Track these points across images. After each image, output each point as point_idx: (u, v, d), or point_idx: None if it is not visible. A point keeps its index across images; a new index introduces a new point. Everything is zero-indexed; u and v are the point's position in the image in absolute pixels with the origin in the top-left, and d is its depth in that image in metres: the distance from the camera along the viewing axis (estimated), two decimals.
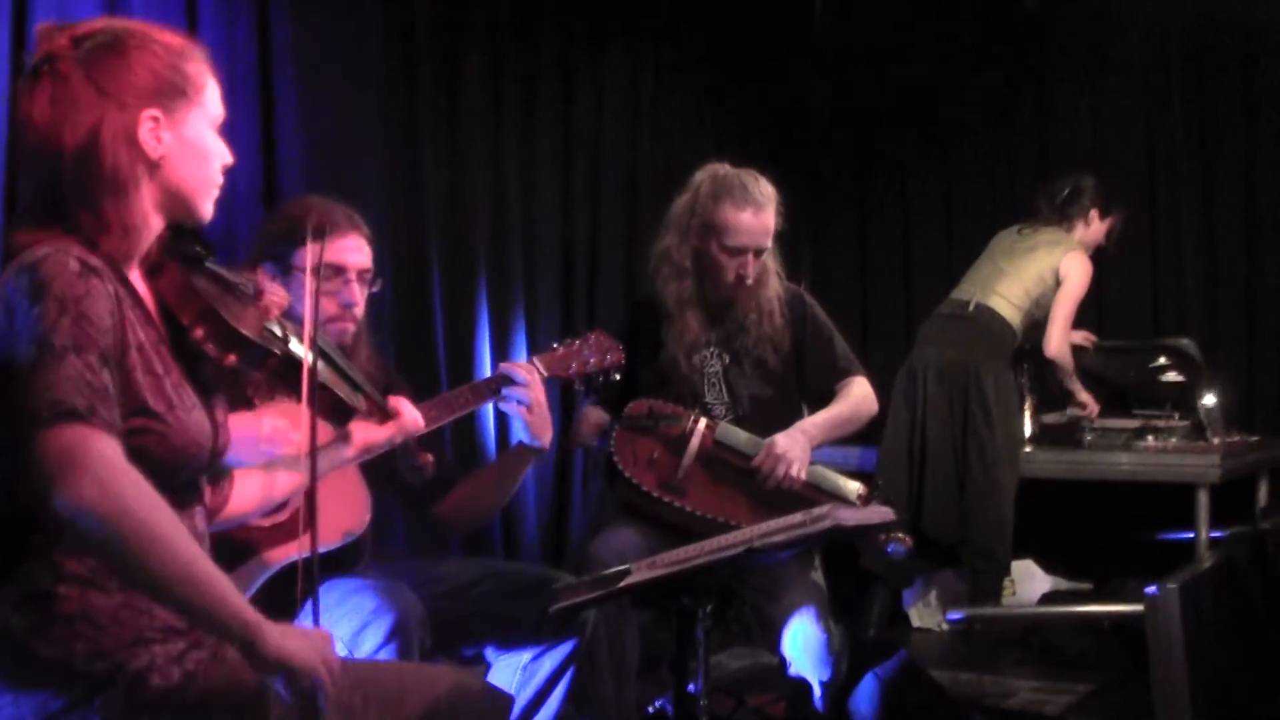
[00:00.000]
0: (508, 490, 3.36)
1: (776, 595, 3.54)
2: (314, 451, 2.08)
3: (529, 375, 3.12)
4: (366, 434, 2.45)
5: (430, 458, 2.62)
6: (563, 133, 5.61)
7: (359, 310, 3.13)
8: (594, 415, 3.79)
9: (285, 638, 1.90)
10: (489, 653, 3.22)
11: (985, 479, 5.39)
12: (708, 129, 6.01)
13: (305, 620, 2.03)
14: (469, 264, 5.11)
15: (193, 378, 2.08)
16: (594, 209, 5.74)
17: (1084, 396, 5.67)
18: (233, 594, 1.89)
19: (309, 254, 2.94)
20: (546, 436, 3.17)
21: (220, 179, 2.15)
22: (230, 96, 3.98)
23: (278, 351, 2.14)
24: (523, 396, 3.10)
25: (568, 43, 5.63)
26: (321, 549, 2.74)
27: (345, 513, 2.89)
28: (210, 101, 2.12)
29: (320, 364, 2.21)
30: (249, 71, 4.25)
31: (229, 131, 4.00)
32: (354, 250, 3.11)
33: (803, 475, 3.58)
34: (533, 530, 5.22)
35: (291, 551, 2.79)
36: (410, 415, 2.51)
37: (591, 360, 3.27)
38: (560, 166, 5.60)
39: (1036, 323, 5.59)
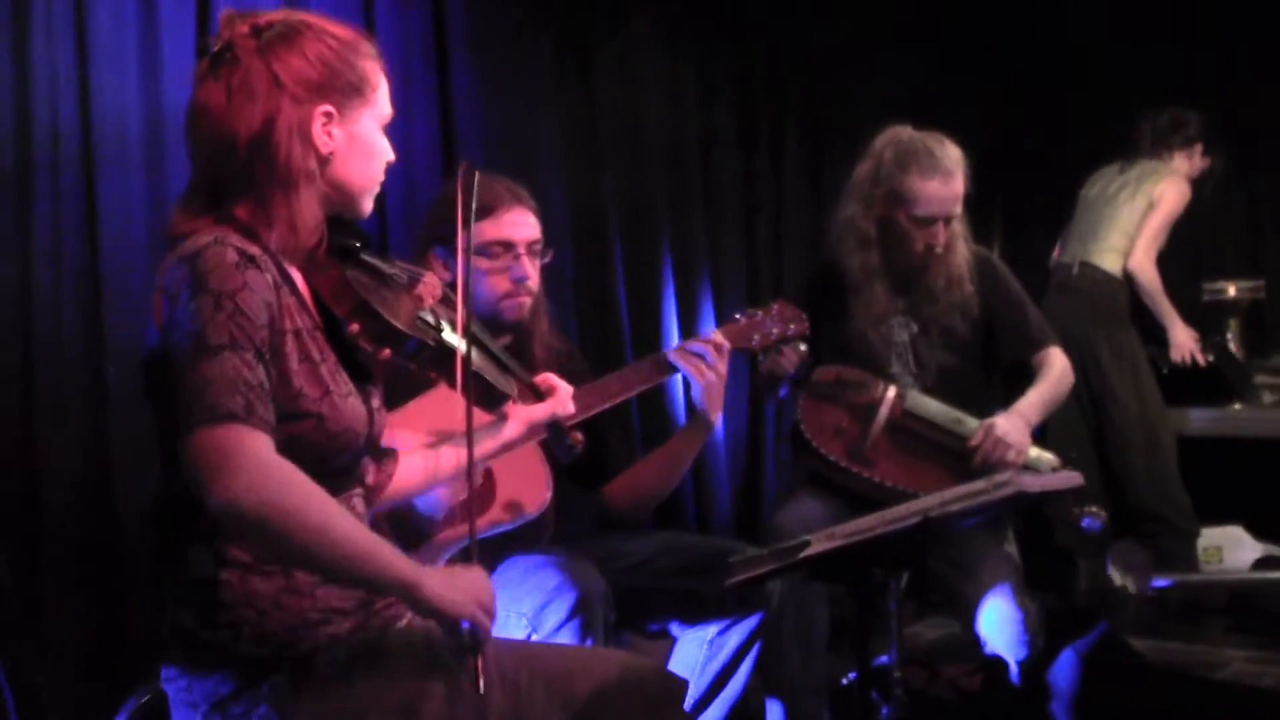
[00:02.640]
0: (675, 473, 3.30)
1: (969, 570, 3.43)
2: (470, 443, 2.10)
3: (710, 350, 3.08)
4: (526, 414, 2.42)
5: (580, 436, 2.63)
6: (744, 94, 5.53)
7: (533, 284, 3.12)
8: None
9: (443, 587, 1.97)
10: (674, 628, 3.22)
11: (1126, 445, 5.25)
12: (891, 83, 5.85)
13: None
14: (652, 235, 5.09)
15: (348, 365, 2.09)
16: (777, 170, 5.64)
17: (1178, 330, 5.38)
18: (391, 558, 1.94)
19: (470, 236, 2.95)
20: (717, 411, 3.14)
21: (382, 177, 2.16)
22: (407, 81, 4.12)
23: (431, 342, 2.14)
24: (695, 370, 3.07)
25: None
26: (504, 526, 2.84)
27: (527, 490, 2.88)
28: (381, 100, 2.12)
29: (475, 351, 2.20)
30: (426, 56, 4.30)
31: (408, 117, 4.11)
32: (520, 224, 3.11)
33: (1021, 460, 3.47)
34: (725, 503, 5.19)
35: (478, 526, 2.74)
36: (564, 390, 2.48)
37: (774, 331, 3.22)
38: (742, 127, 5.51)
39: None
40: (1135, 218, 5.32)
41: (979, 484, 2.35)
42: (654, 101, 5.15)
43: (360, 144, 2.09)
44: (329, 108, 2.04)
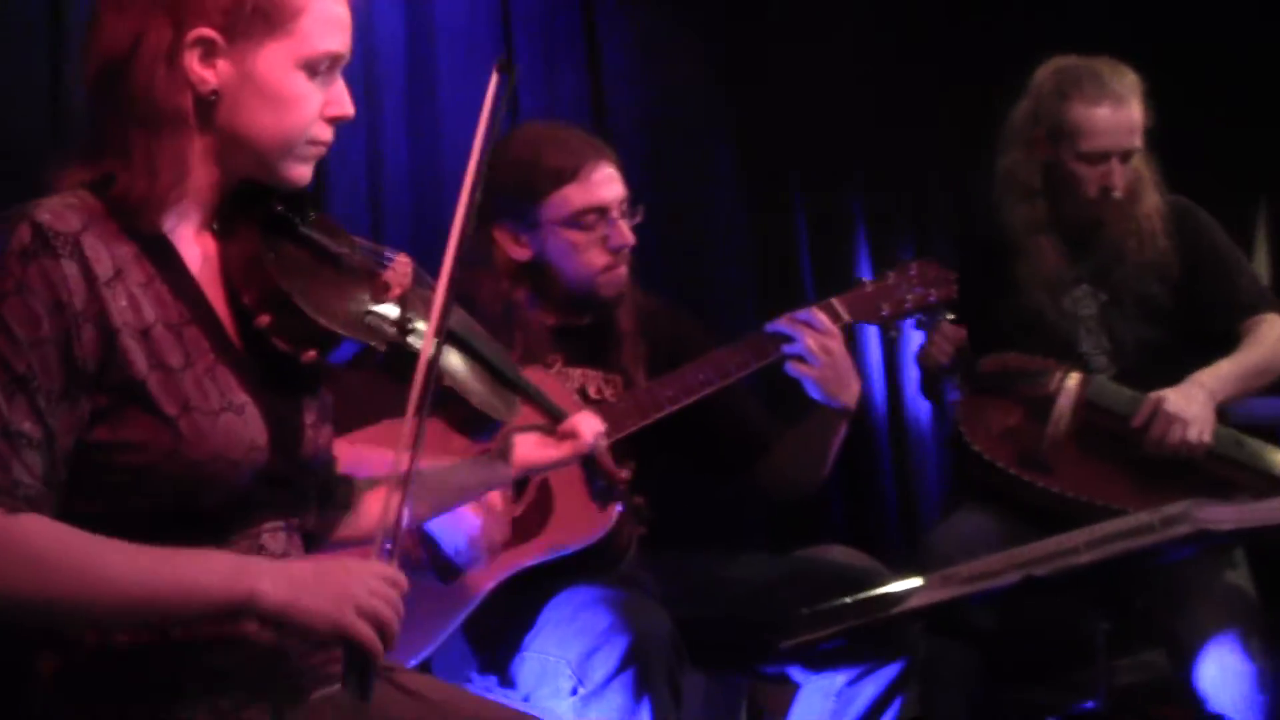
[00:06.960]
0: (821, 460, 2.83)
1: (1181, 605, 2.91)
2: (411, 466, 1.61)
3: (821, 321, 2.65)
4: (529, 452, 2.07)
5: (627, 475, 2.26)
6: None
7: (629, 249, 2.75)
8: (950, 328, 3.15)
9: (295, 591, 1.54)
10: (795, 673, 2.71)
11: None
12: None
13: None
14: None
15: (265, 371, 1.65)
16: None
17: None
18: (199, 573, 1.53)
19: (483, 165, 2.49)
20: (847, 393, 2.68)
21: (320, 135, 1.68)
22: (548, 49, 3.63)
23: (378, 346, 1.65)
24: (802, 350, 2.62)
25: None
26: (554, 554, 2.50)
27: (587, 515, 2.47)
28: (309, 34, 1.63)
29: (457, 360, 1.76)
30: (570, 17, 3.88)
31: (550, 88, 3.63)
32: (610, 182, 2.72)
33: (1205, 440, 2.94)
34: (893, 513, 4.58)
35: (531, 554, 2.48)
36: (587, 429, 2.09)
37: (909, 298, 2.76)
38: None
39: None
40: None
41: (1142, 517, 1.73)
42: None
43: (260, 86, 1.62)
44: (209, 33, 1.58)
